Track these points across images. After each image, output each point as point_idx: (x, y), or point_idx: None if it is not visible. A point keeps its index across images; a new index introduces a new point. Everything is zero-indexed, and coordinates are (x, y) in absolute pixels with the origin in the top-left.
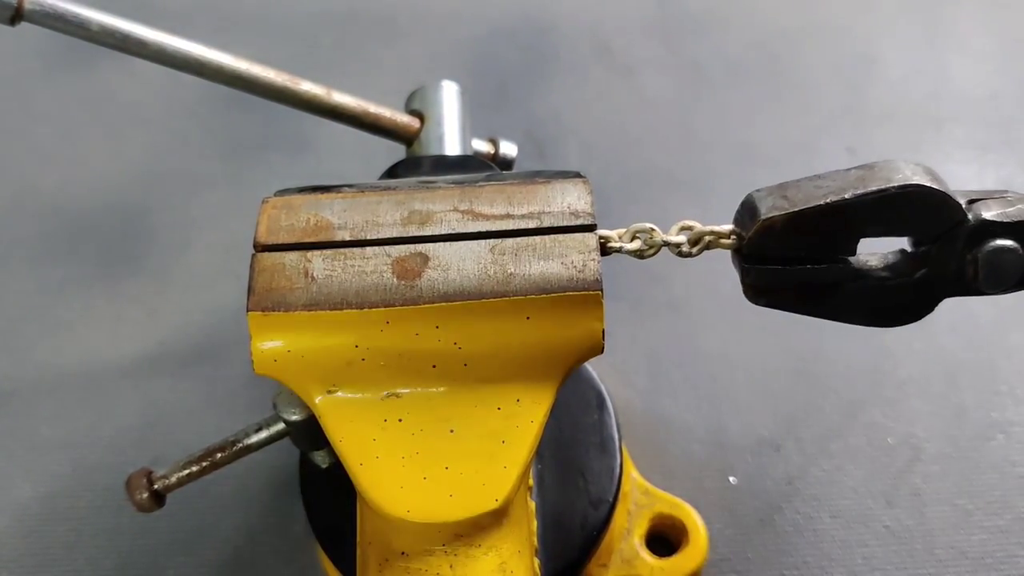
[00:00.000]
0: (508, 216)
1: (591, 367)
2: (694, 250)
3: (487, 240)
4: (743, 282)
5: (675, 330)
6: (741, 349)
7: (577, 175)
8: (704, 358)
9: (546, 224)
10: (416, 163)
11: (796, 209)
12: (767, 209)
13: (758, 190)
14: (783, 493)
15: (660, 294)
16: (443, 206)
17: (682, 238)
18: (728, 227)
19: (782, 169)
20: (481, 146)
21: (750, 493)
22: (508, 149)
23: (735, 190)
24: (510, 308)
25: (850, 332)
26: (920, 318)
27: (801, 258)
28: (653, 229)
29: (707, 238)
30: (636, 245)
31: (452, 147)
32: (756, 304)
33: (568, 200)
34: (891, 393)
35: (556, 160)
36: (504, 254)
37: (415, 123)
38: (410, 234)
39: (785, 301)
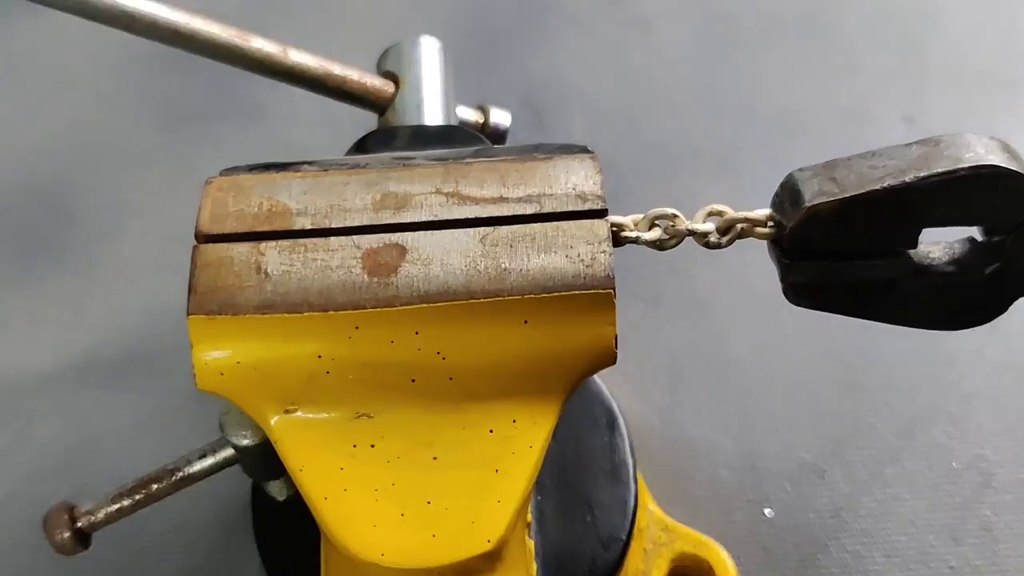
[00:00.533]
0: (501, 200)
1: (600, 379)
2: (724, 240)
3: (476, 228)
4: (782, 280)
5: (700, 334)
6: (778, 357)
7: (584, 150)
8: (735, 368)
9: (547, 209)
10: (390, 135)
11: (847, 195)
12: (812, 194)
13: (801, 169)
14: (828, 528)
15: (683, 291)
16: (423, 187)
17: (710, 226)
18: (765, 213)
19: (828, 143)
20: (468, 114)
21: (789, 528)
22: (500, 118)
23: (772, 168)
24: (504, 310)
25: (907, 337)
26: (990, 320)
27: (852, 252)
28: (675, 215)
29: (740, 226)
30: (655, 234)
31: (433, 116)
32: (797, 305)
33: (573, 180)
34: (955, 408)
35: (558, 131)
36: (497, 245)
37: (389, 87)
38: (384, 221)
39: (832, 302)
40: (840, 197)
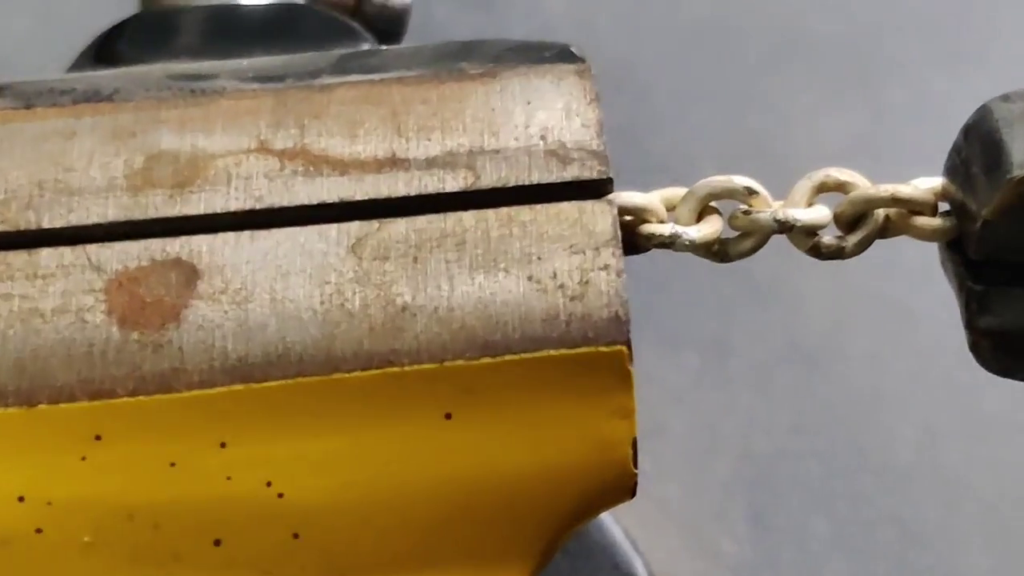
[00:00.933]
0: (393, 163)
1: (614, 519)
2: (850, 242)
3: (342, 225)
4: (968, 324)
5: (807, 414)
6: (957, 459)
7: (563, 53)
8: (886, 478)
9: (488, 181)
10: (163, 26)
11: None
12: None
13: (1006, 99)
14: None
15: (770, 329)
16: (232, 140)
17: (822, 213)
18: (933, 186)
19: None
20: None
21: None
22: None
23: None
24: (404, 395)
25: None
26: None
27: None
28: (753, 190)
29: (884, 214)
30: (712, 229)
31: None
32: (995, 372)
33: (540, 120)
34: None
35: (516, 12)
36: (386, 258)
37: None
38: (150, 214)
39: None
40: None
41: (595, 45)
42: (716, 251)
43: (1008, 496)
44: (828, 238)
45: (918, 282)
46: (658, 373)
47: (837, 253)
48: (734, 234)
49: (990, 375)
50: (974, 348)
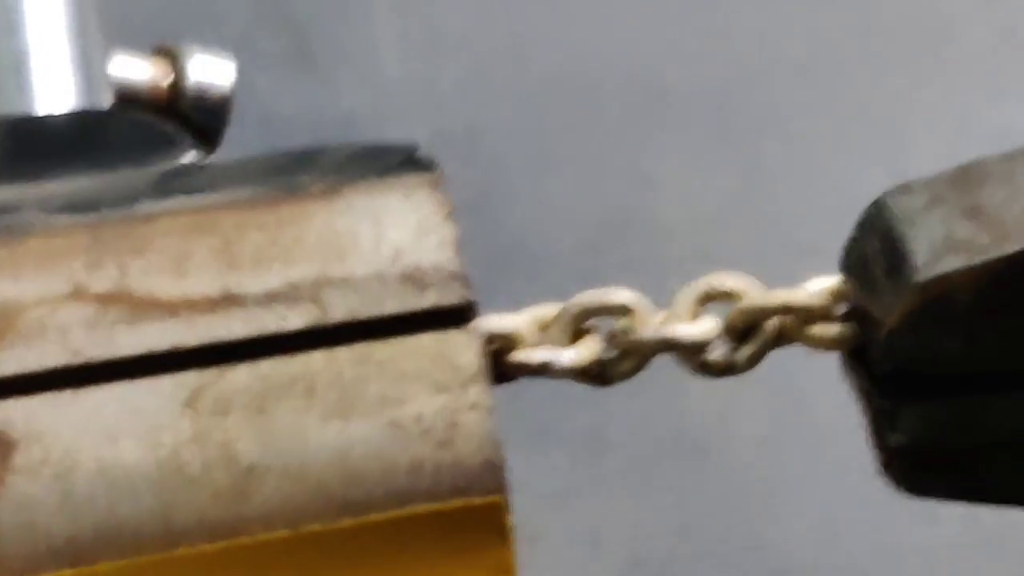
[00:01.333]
0: (228, 300)
1: None
2: (743, 355)
3: (174, 376)
4: (879, 443)
5: (699, 515)
6: None
7: (410, 160)
8: None
9: (336, 316)
10: None
11: (1014, 250)
12: (933, 251)
13: (905, 189)
14: None
15: (650, 418)
16: (45, 285)
17: (709, 327)
18: (826, 288)
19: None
20: (135, 72)
21: None
22: (209, 72)
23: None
24: (252, 571)
25: None
26: None
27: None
28: (628, 309)
29: (774, 323)
30: (589, 352)
31: (51, 84)
32: (913, 493)
33: (392, 239)
34: None
35: (349, 91)
36: (226, 413)
37: None
38: None
39: (974, 480)
40: (998, 256)
41: (437, 112)
42: (595, 375)
43: None
44: (717, 353)
45: (808, 358)
46: (528, 475)
47: (728, 369)
48: (614, 355)
49: None
50: (886, 468)
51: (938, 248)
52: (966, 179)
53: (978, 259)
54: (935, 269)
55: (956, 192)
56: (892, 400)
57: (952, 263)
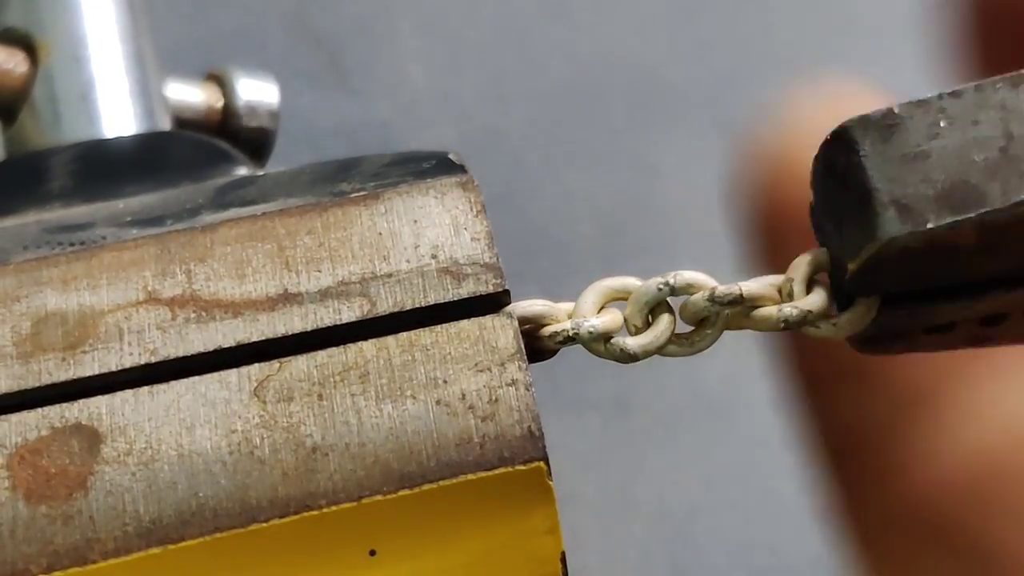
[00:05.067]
0: (286, 299)
1: None
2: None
3: (241, 369)
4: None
5: (721, 468)
6: None
7: (443, 164)
8: (806, 522)
9: (383, 308)
10: (28, 170)
11: (970, 215)
12: (889, 210)
13: (860, 126)
14: None
15: (670, 381)
16: (119, 294)
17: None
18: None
19: None
20: (189, 95)
21: None
22: (256, 93)
23: None
24: (325, 536)
25: None
26: None
27: (946, 290)
28: (687, 283)
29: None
30: (613, 319)
31: (118, 113)
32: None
33: (429, 238)
34: None
35: (381, 98)
36: (290, 399)
37: (17, 63)
38: (44, 381)
39: (911, 344)
40: (958, 219)
41: (462, 117)
42: (628, 353)
43: None
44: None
45: None
46: (564, 440)
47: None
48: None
49: None
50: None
51: (895, 204)
52: (891, 126)
53: (930, 227)
54: (893, 233)
55: (882, 139)
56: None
57: (909, 229)
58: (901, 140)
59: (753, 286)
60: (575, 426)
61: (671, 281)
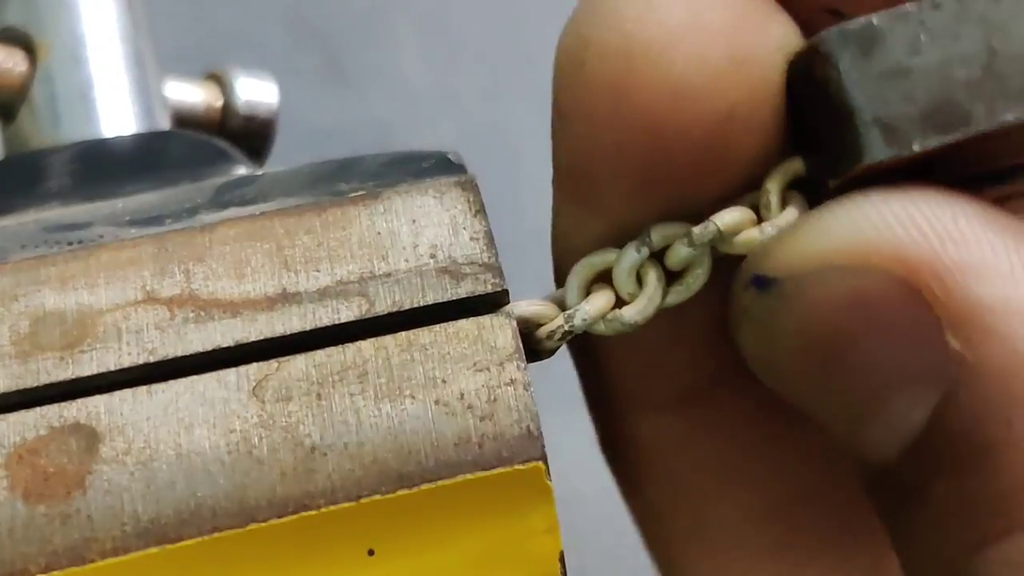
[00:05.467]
0: (284, 299)
1: None
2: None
3: (239, 369)
4: None
5: None
6: None
7: (442, 164)
8: None
9: (381, 307)
10: (27, 170)
11: (951, 138)
12: (876, 136)
13: (840, 33)
14: None
15: None
16: (118, 293)
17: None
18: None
19: None
20: (188, 95)
21: None
22: (255, 92)
23: None
24: (323, 535)
25: None
26: None
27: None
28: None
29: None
30: (604, 301)
31: (115, 110)
32: None
33: (430, 236)
34: None
35: (377, 96)
36: (288, 399)
37: (16, 62)
38: (43, 380)
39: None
40: (944, 141)
41: (461, 116)
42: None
43: None
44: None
45: None
46: (564, 440)
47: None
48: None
49: None
50: None
51: (880, 123)
52: (869, 35)
53: (916, 148)
54: (879, 156)
55: (862, 51)
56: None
57: (893, 152)
58: (881, 55)
59: (727, 217)
60: (575, 426)
61: (647, 240)
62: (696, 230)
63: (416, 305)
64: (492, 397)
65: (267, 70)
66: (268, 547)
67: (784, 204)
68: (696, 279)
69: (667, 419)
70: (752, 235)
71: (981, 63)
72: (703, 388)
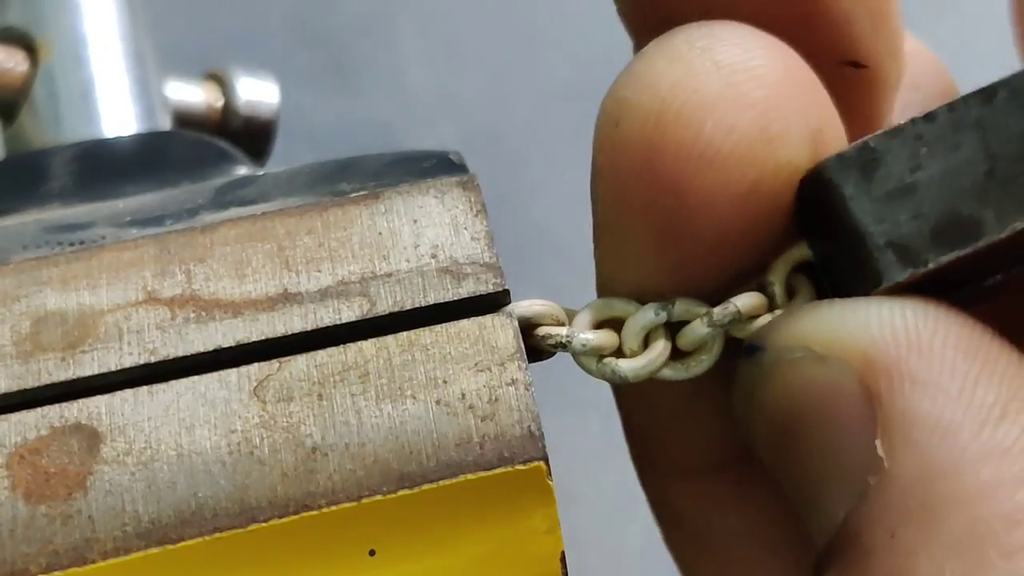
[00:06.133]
0: (285, 299)
1: None
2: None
3: (240, 369)
4: None
5: None
6: None
7: (444, 164)
8: None
9: (383, 307)
10: (29, 170)
11: (964, 251)
12: (891, 259)
13: (838, 163)
14: None
15: None
16: (119, 293)
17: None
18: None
19: None
20: (189, 95)
21: None
22: (256, 93)
23: None
24: (324, 537)
25: None
26: None
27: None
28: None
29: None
30: (609, 338)
31: (116, 111)
32: None
33: (431, 236)
34: None
35: (380, 97)
36: (290, 399)
37: (17, 62)
38: (44, 381)
39: None
40: (959, 255)
41: (462, 117)
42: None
43: None
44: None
45: None
46: (564, 440)
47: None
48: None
49: None
50: None
51: (892, 241)
52: (868, 160)
53: (931, 266)
54: (895, 278)
55: (862, 176)
56: None
57: (909, 272)
58: (884, 176)
59: (746, 300)
60: (575, 426)
61: (669, 308)
62: (716, 311)
63: (417, 305)
64: (493, 397)
65: (268, 70)
66: (269, 547)
67: (792, 289)
68: (700, 364)
69: (702, 485)
70: (765, 321)
71: (983, 170)
72: (737, 455)
